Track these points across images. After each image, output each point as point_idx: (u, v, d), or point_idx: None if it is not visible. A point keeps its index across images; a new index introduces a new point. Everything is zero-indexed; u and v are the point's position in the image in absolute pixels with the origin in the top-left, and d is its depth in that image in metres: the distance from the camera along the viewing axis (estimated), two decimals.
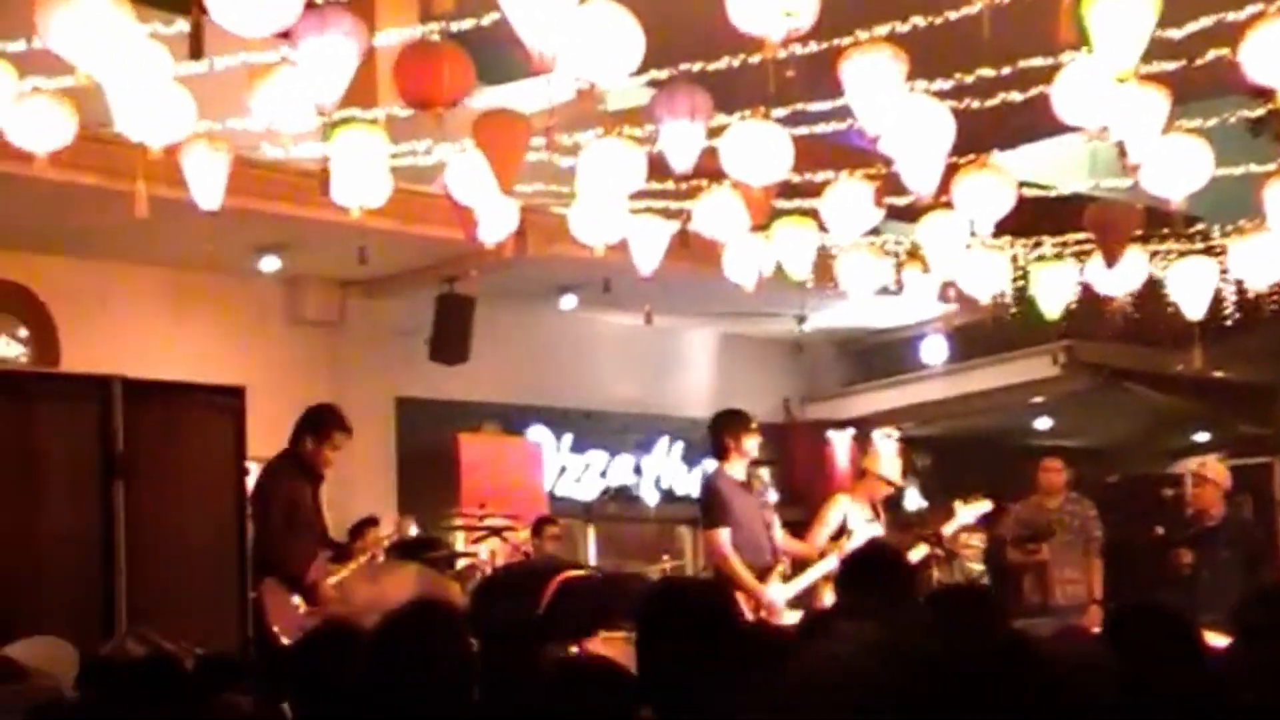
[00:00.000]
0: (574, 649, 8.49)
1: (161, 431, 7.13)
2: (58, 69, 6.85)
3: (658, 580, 8.54)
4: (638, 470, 14.85)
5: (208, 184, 7.60)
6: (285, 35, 6.45)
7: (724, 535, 8.77)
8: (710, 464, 9.45)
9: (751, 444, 8.96)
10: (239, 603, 7.13)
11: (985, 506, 9.98)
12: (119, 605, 6.76)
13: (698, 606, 3.52)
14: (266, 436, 8.73)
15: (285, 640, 7.64)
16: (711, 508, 8.90)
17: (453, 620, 3.78)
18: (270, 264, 11.68)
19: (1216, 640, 4.75)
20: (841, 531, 9.38)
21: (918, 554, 9.42)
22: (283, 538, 8.00)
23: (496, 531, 10.72)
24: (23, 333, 11.20)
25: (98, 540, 6.79)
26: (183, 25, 6.45)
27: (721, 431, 9.05)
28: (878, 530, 9.41)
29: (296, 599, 8.00)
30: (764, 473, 9.56)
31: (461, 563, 10.58)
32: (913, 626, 3.72)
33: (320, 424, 8.34)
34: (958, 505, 9.90)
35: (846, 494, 9.79)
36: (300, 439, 8.30)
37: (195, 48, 6.16)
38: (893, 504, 10.31)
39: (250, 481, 8.19)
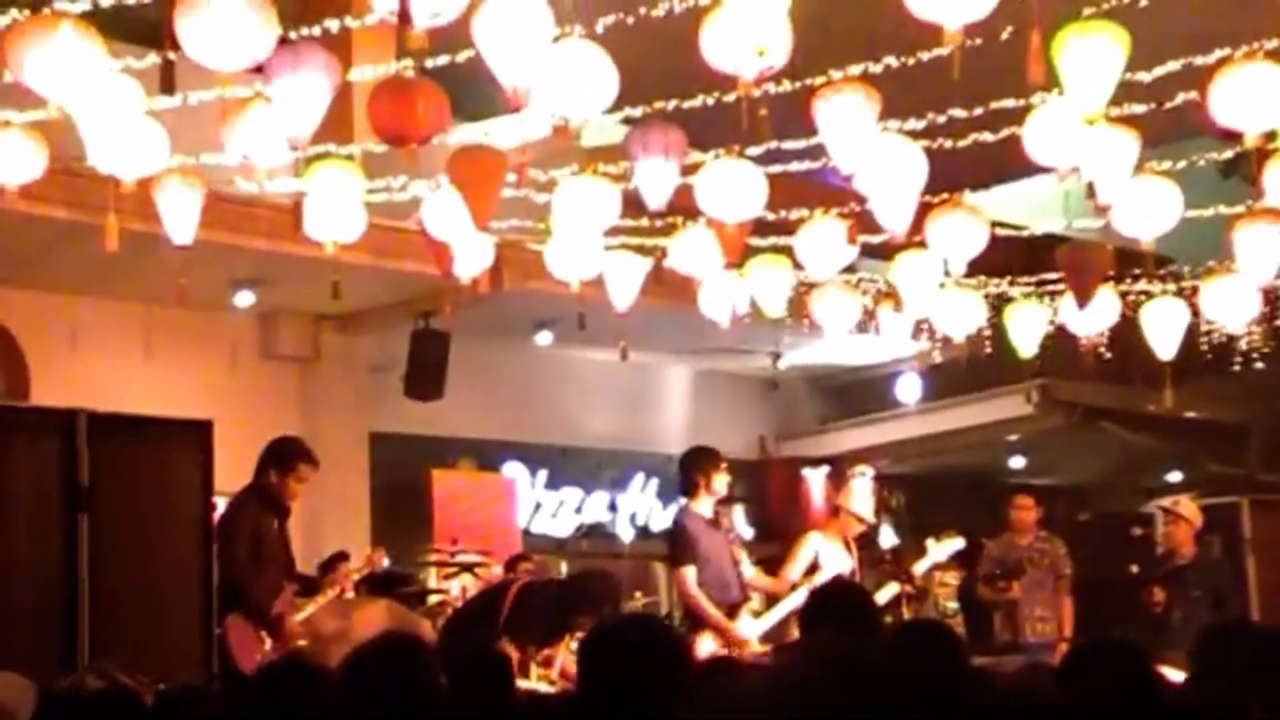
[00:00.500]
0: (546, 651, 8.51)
1: (128, 465, 7.09)
2: (29, 102, 6.85)
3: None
4: (613, 507, 14.83)
5: (181, 218, 7.59)
6: (259, 70, 6.47)
7: (690, 573, 8.77)
8: (679, 501, 9.45)
9: (721, 482, 8.96)
10: (204, 637, 7.08)
11: (957, 544, 9.99)
12: (81, 640, 6.71)
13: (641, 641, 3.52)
14: (239, 472, 8.69)
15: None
16: (678, 546, 8.90)
17: (420, 655, 3.77)
18: (244, 299, 11.66)
19: (1180, 677, 4.76)
20: (814, 568, 9.37)
21: (889, 592, 9.42)
22: (247, 572, 7.95)
23: (469, 568, 10.69)
24: None
25: (62, 574, 6.74)
26: (155, 59, 6.44)
27: (691, 468, 9.06)
28: (850, 567, 9.41)
29: (263, 633, 7.95)
30: (735, 509, 9.57)
31: (433, 599, 10.55)
32: (873, 653, 3.73)
33: (284, 456, 8.31)
34: (930, 543, 9.92)
35: (820, 530, 9.79)
36: (264, 471, 8.26)
37: (167, 82, 6.17)
38: (866, 541, 10.30)
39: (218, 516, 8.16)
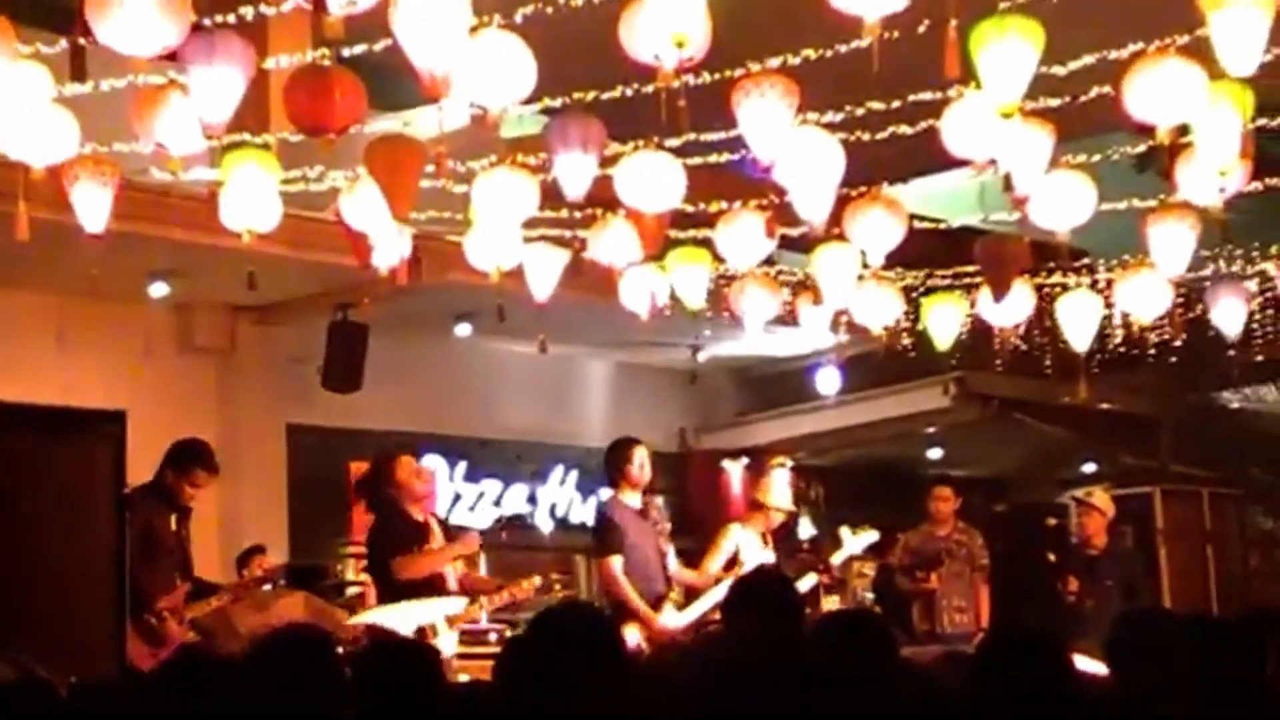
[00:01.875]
0: None
1: (37, 457, 6.98)
2: None
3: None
4: (532, 499, 14.80)
5: (93, 207, 7.48)
6: (173, 57, 6.40)
7: (616, 563, 8.77)
8: (605, 492, 9.45)
9: (641, 467, 8.97)
10: (115, 631, 7.00)
11: (872, 536, 10.06)
12: None
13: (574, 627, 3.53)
14: (154, 465, 8.62)
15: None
16: (604, 535, 8.90)
17: (322, 645, 3.75)
18: (159, 290, 11.51)
19: (1093, 666, 4.82)
20: (735, 560, 9.40)
21: (807, 583, 9.47)
22: (138, 566, 7.91)
23: None
24: None
25: None
26: (66, 45, 6.35)
27: (615, 459, 9.06)
28: (769, 558, 9.44)
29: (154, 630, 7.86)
30: (659, 500, 9.57)
31: (351, 591, 10.48)
32: (806, 641, 3.76)
33: (183, 459, 8.28)
34: (844, 534, 9.98)
35: (740, 523, 9.82)
36: (163, 471, 8.24)
37: (78, 69, 6.07)
38: (785, 533, 10.35)
39: None
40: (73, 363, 11.21)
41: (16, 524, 6.81)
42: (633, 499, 8.97)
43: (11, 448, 6.88)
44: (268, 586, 8.84)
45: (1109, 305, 9.62)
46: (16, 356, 10.92)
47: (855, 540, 9.91)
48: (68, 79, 6.62)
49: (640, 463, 9.05)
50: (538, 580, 9.10)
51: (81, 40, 6.23)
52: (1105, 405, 14.31)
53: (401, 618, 8.23)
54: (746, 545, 9.49)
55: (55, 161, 7.09)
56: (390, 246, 8.21)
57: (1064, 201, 7.82)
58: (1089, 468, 16.46)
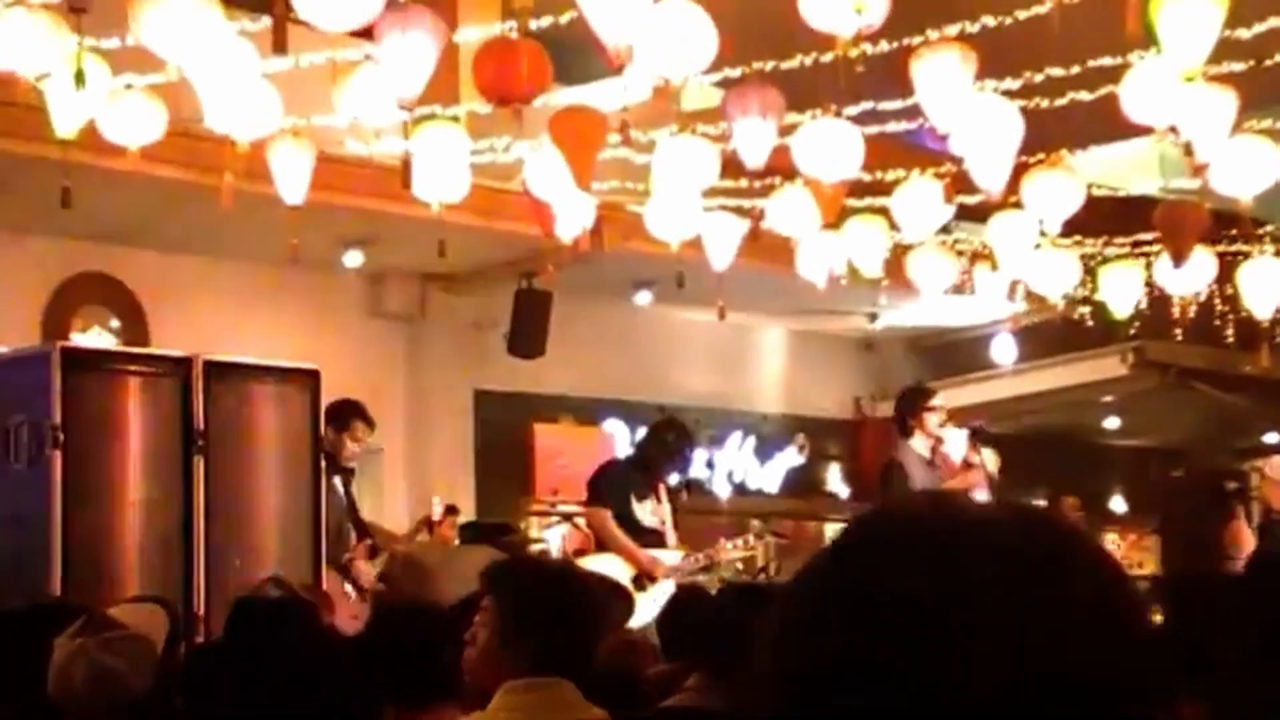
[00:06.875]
0: None
1: (240, 409, 7.33)
2: (149, 65, 7.10)
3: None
4: (710, 464, 14.98)
5: (292, 179, 7.81)
6: (367, 33, 6.66)
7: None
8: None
9: (934, 420, 8.81)
10: (313, 574, 7.32)
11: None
12: (196, 576, 6.96)
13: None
14: None
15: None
16: (891, 481, 8.71)
17: (308, 615, 3.95)
18: (353, 258, 11.91)
19: None
20: None
21: None
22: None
23: (568, 517, 10.92)
24: (114, 323, 11.50)
25: (179, 513, 7.01)
26: (269, 22, 6.64)
27: (904, 409, 8.92)
28: None
29: (348, 588, 8.14)
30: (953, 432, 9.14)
31: (535, 548, 10.78)
32: None
33: (342, 414, 8.36)
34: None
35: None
36: (323, 432, 8.34)
37: (279, 44, 6.36)
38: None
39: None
40: (269, 328, 11.69)
41: (221, 474, 7.17)
42: (922, 446, 8.83)
43: (215, 401, 7.23)
44: (455, 542, 9.11)
45: None
46: (222, 319, 11.42)
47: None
48: (270, 55, 6.91)
49: (936, 416, 8.83)
50: (740, 541, 9.26)
51: (283, 17, 6.50)
52: None
53: (618, 566, 8.50)
54: None
55: (259, 135, 7.42)
56: (574, 216, 8.41)
57: (1247, 168, 7.73)
58: (1270, 438, 16.15)
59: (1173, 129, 7.32)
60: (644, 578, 8.66)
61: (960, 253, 10.03)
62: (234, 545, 7.11)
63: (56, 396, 6.71)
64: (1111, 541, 10.95)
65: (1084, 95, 7.90)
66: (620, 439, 14.15)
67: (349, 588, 8.09)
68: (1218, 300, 10.57)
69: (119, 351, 9.10)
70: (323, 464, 7.76)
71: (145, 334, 11.53)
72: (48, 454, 6.66)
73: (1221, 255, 9.55)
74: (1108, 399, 15.27)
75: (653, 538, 8.79)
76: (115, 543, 6.84)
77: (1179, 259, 8.27)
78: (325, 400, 7.94)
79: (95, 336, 11.24)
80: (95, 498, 6.81)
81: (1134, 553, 11.07)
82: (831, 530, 16.26)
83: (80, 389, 6.84)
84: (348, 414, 8.45)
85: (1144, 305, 10.14)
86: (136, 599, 4.88)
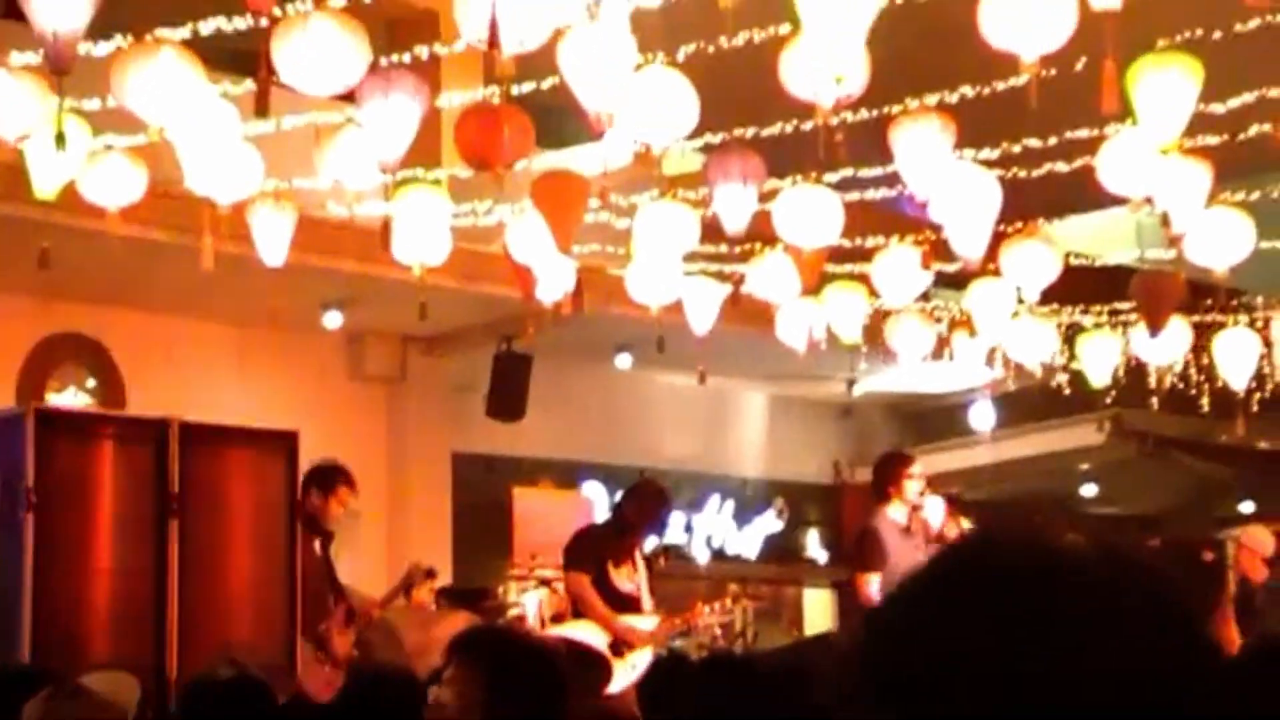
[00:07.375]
0: None
1: (217, 473, 7.31)
2: (130, 126, 7.11)
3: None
4: (688, 528, 14.95)
5: (273, 240, 7.82)
6: (350, 96, 6.69)
7: (873, 581, 8.32)
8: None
9: (912, 488, 8.60)
10: (288, 640, 7.27)
11: None
12: (170, 641, 6.92)
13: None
14: None
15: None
16: (865, 551, 8.48)
17: (260, 695, 3.94)
18: (333, 320, 11.90)
19: None
20: None
21: None
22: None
23: (547, 582, 10.87)
24: (91, 383, 11.46)
25: (152, 577, 6.97)
26: (251, 85, 6.67)
27: (881, 476, 8.73)
28: None
29: (320, 654, 8.03)
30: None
31: (512, 612, 10.73)
32: None
33: (327, 478, 8.25)
34: None
35: None
36: (306, 493, 8.26)
37: (262, 106, 6.37)
38: None
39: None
40: (249, 389, 11.66)
41: (195, 538, 7.13)
42: (899, 514, 8.67)
43: (191, 464, 7.20)
44: (432, 607, 9.05)
45: (1267, 343, 9.53)
46: (200, 380, 11.38)
47: None
48: (252, 118, 6.93)
49: (915, 484, 8.63)
50: (717, 605, 9.19)
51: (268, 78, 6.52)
52: (1264, 444, 14.09)
53: (596, 632, 8.45)
54: None
55: (240, 197, 7.43)
56: (554, 279, 8.42)
57: (1222, 239, 7.79)
58: (1247, 507, 16.19)
59: (1149, 200, 7.37)
60: (621, 644, 8.61)
61: (939, 320, 10.06)
62: (207, 611, 7.06)
63: (30, 458, 6.67)
64: None
65: (1061, 166, 7.97)
66: (600, 502, 14.13)
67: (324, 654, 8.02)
68: (1194, 370, 10.61)
69: (94, 413, 9.08)
70: (303, 528, 7.71)
71: (122, 395, 11.48)
72: (20, 516, 6.62)
73: (1197, 325, 9.60)
74: (1085, 467, 15.32)
75: (629, 603, 8.74)
76: (86, 608, 6.78)
77: (1155, 328, 8.31)
78: (303, 463, 7.90)
79: (71, 397, 11.19)
80: (67, 562, 6.77)
81: None
82: (811, 595, 16.23)
83: (54, 451, 6.81)
84: (333, 477, 8.36)
85: (1121, 374, 10.18)
86: (107, 666, 4.84)
